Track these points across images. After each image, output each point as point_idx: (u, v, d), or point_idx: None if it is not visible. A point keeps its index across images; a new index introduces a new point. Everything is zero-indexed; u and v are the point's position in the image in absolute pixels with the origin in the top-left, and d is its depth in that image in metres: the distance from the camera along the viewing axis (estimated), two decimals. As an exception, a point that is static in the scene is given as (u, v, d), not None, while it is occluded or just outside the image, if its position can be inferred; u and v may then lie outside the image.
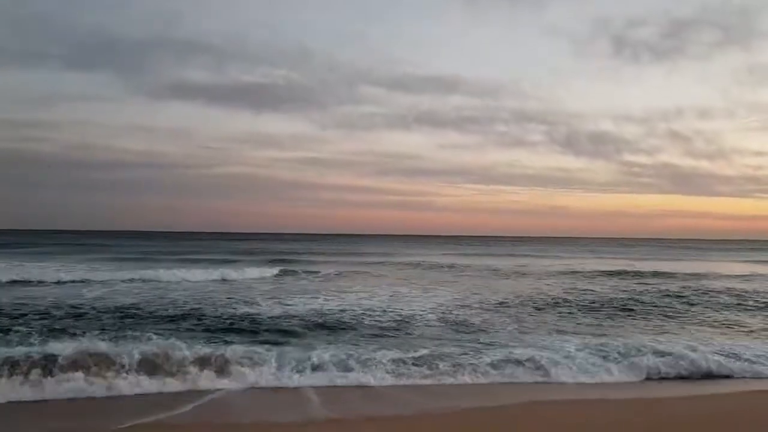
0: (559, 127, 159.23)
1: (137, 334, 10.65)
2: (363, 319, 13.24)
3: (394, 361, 8.89)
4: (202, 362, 8.34)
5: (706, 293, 19.43)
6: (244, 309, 14.38)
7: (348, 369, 8.51)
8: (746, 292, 19.85)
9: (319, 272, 26.27)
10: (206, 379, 7.93)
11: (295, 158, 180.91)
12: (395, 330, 12.00)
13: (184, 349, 8.63)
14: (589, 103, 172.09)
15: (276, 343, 10.05)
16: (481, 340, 10.96)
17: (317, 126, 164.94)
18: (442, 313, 14.35)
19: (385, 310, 14.46)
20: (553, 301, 17.08)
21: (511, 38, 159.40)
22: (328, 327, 12.20)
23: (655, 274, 27.08)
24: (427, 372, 8.63)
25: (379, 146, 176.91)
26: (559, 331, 12.14)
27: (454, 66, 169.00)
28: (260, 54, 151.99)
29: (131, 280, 20.73)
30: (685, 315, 14.92)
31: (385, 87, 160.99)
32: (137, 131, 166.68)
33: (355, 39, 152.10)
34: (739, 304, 16.87)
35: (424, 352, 9.52)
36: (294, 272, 25.77)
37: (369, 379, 8.28)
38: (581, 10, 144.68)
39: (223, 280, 22.19)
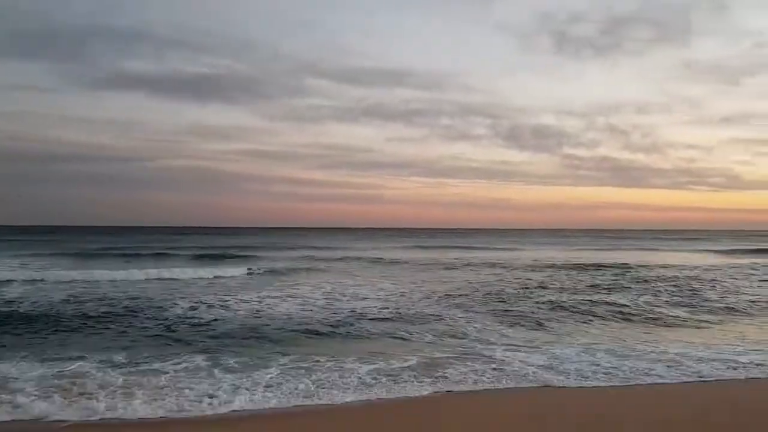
0: (503, 121, 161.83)
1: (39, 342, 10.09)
2: (319, 319, 12.82)
3: (371, 372, 8.05)
4: (127, 386, 7.31)
5: (644, 282, 20.16)
6: (179, 311, 13.58)
7: (315, 389, 7.37)
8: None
9: (268, 268, 25.75)
10: (129, 409, 6.56)
11: (242, 150, 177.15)
12: (358, 333, 11.46)
13: (108, 372, 7.91)
14: (533, 97, 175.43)
15: (221, 355, 9.10)
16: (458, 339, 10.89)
17: (264, 118, 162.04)
18: (401, 309, 14.18)
19: (340, 309, 14.20)
20: (508, 293, 17.28)
21: (458, 31, 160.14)
22: (279, 331, 11.40)
23: (598, 266, 27.81)
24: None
25: (327, 139, 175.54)
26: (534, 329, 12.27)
27: (402, 58, 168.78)
28: (204, 44, 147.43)
29: (58, 282, 19.60)
30: (626, 307, 15.31)
31: (333, 79, 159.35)
32: (75, 123, 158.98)
33: (302, 29, 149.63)
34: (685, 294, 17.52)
35: (412, 361, 8.77)
36: (241, 268, 25.05)
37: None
38: (526, 5, 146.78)
39: (160, 279, 21.08)
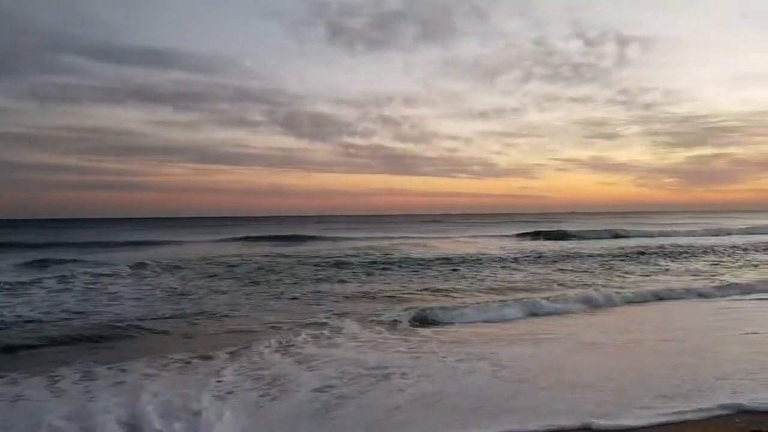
0: (281, 108, 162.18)
1: None
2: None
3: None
4: None
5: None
6: None
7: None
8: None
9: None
10: None
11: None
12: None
13: None
14: (309, 85, 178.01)
15: None
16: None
17: (10, 97, 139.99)
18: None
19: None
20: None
21: (229, 14, 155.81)
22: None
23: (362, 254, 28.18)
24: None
25: (86, 122, 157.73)
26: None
27: (171, 39, 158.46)
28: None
29: None
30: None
31: (93, 56, 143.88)
32: None
33: (58, 0, 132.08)
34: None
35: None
36: None
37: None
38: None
39: None
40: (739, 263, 21.84)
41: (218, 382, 6.90)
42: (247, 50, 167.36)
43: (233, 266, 21.14)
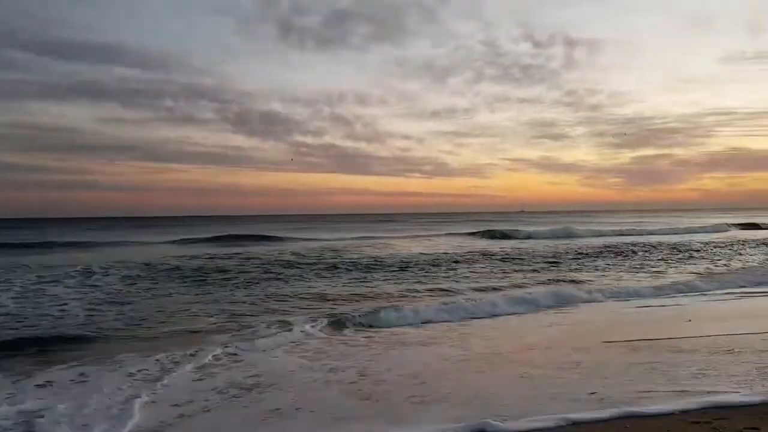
0: (231, 106, 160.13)
1: None
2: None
3: None
4: None
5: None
6: None
7: None
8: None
9: None
10: None
11: None
12: None
13: None
14: (260, 83, 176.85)
15: None
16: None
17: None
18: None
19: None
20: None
21: (178, 10, 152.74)
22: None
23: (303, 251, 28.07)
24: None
25: (28, 118, 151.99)
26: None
27: (117, 34, 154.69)
28: None
29: None
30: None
31: (35, 51, 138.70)
32: None
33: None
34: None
35: None
36: None
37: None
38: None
39: None
40: (678, 261, 22.75)
41: (116, 391, 6.70)
42: (196, 47, 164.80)
43: (182, 267, 20.78)
